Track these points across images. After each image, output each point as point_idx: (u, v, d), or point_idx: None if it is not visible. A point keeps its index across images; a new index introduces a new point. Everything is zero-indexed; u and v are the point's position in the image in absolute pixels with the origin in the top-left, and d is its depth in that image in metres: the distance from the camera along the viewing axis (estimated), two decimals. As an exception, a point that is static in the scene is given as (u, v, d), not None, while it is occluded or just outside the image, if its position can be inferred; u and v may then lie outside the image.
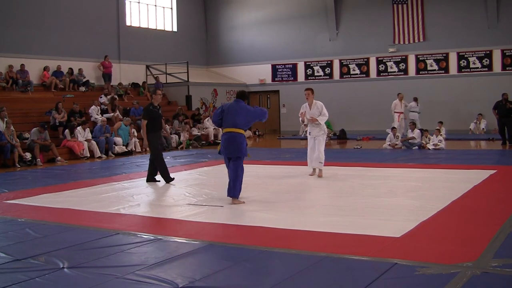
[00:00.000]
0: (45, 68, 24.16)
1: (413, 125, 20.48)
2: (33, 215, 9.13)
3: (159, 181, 12.68)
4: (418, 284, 5.17)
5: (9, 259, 6.36)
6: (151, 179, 12.68)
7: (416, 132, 19.90)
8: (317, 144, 12.58)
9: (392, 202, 9.29)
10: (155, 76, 29.42)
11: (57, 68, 24.64)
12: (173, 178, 12.59)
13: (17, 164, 17.23)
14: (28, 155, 17.81)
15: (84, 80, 25.44)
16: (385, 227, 7.37)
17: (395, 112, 23.62)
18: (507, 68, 26.09)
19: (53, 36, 24.88)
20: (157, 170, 12.78)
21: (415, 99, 24.99)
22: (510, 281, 5.16)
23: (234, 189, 9.72)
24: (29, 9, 23.96)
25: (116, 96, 24.38)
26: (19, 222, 8.52)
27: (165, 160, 12.78)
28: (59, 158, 18.43)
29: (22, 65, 22.98)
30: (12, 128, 17.84)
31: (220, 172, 14.34)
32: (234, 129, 9.78)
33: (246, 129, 10.17)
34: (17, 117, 20.23)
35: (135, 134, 21.78)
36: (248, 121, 10.00)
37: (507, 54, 26.07)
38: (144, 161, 17.74)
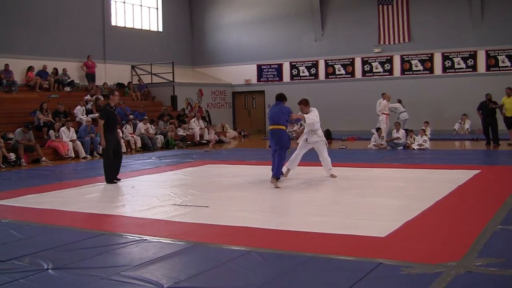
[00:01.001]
0: (30, 68, 24.02)
1: (398, 125, 20.56)
2: (18, 216, 9.07)
3: (119, 179, 12.80)
4: (403, 283, 5.19)
5: (-7, 261, 6.32)
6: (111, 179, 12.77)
7: (401, 132, 19.99)
8: (320, 152, 12.45)
9: (377, 202, 9.33)
10: (139, 76, 29.33)
11: (43, 68, 24.50)
12: (119, 179, 12.82)
13: (1, 165, 17.08)
14: (12, 156, 17.67)
15: (69, 80, 25.32)
16: (370, 227, 7.39)
17: (383, 113, 23.55)
18: (491, 69, 26.26)
19: (38, 36, 24.74)
20: (119, 169, 12.96)
21: (400, 101, 25.02)
22: (494, 280, 5.19)
23: (276, 170, 11.69)
24: (13, 9, 23.81)
25: (100, 97, 24.26)
26: (3, 223, 8.46)
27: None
28: (43, 158, 18.34)
29: (7, 65, 22.81)
30: (-4, 128, 17.76)
31: (205, 173, 14.37)
32: (276, 125, 11.74)
33: (287, 126, 12.06)
34: (1, 118, 20.10)
35: (121, 134, 21.70)
36: (285, 119, 11.80)
37: (491, 54, 26.24)
38: (129, 161, 17.73)
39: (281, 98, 12.17)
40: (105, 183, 12.61)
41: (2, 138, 18.06)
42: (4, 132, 18.80)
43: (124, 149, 21.37)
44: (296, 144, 12.79)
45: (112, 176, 12.72)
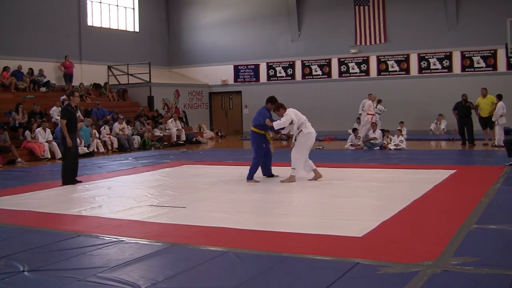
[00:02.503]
0: (5, 68, 23.78)
1: (375, 125, 20.63)
2: (-8, 217, 8.98)
3: (80, 181, 12.65)
4: (380, 283, 5.22)
5: (-32, 263, 6.25)
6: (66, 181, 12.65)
7: (378, 132, 20.05)
8: None
9: (354, 202, 9.35)
10: (116, 77, 29.18)
11: (18, 67, 24.27)
12: (80, 181, 12.61)
13: (-24, 166, 16.97)
14: (-13, 157, 17.53)
15: (45, 80, 25.12)
16: (347, 227, 7.41)
17: (368, 113, 23.54)
18: (466, 70, 26.51)
19: (13, 36, 24.49)
20: (77, 170, 12.81)
21: (380, 101, 25.05)
22: (469, 279, 5.23)
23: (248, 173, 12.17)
24: (-13, 8, 23.62)
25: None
26: (-23, 225, 8.38)
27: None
28: (19, 159, 18.18)
29: (-19, 65, 22.63)
30: (-30, 129, 17.57)
31: (182, 173, 14.33)
32: (252, 127, 12.21)
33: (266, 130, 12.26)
34: (-24, 118, 19.91)
35: (97, 135, 21.63)
36: (259, 121, 11.98)
37: (466, 55, 26.48)
38: (106, 162, 17.64)
39: (266, 101, 12.31)
40: (61, 185, 12.42)
41: (-23, 139, 17.91)
42: (-22, 133, 18.61)
43: (102, 149, 21.36)
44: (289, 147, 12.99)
45: (71, 177, 12.61)
